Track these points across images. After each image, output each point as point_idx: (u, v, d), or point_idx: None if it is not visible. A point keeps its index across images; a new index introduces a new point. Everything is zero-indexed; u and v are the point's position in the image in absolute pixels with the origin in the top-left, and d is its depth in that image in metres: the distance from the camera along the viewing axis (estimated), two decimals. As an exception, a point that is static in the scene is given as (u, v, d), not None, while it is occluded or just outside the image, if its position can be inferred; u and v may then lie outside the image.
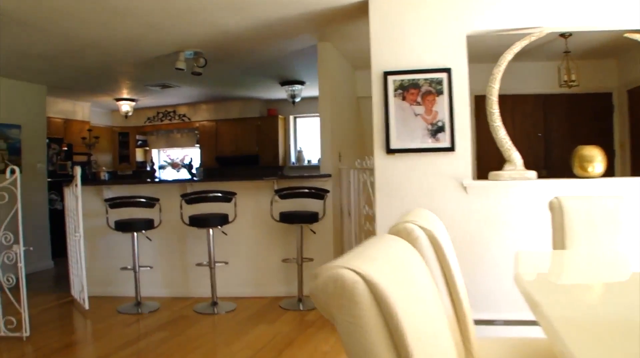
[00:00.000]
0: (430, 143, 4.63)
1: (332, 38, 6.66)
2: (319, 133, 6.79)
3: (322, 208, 6.00)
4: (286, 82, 9.33)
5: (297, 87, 9.36)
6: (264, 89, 10.21)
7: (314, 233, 6.14)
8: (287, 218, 5.88)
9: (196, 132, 12.23)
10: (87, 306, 5.78)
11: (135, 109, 11.86)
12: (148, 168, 12.75)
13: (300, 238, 5.97)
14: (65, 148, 10.23)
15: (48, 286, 7.40)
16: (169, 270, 6.64)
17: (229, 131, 11.69)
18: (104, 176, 6.48)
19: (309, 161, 11.59)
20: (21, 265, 5.11)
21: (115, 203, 5.84)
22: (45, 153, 9.04)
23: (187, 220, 5.83)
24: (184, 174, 12.21)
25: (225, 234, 6.01)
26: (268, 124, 11.43)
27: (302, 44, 6.82)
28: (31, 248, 5.33)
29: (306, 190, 5.92)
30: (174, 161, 12.59)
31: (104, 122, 12.27)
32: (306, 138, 11.88)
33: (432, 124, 4.64)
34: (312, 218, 5.90)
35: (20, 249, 5.15)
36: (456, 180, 4.64)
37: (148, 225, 5.92)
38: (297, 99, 9.56)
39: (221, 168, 12.04)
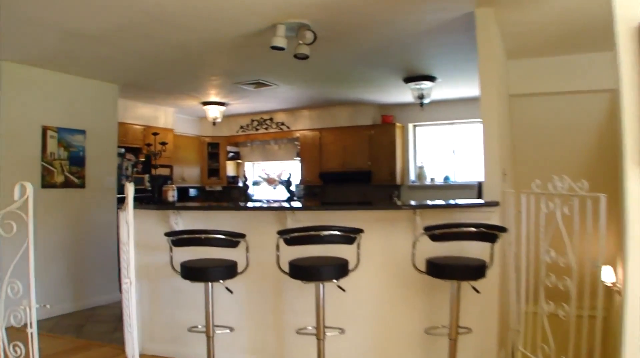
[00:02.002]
0: None
1: (496, 1, 4.50)
2: (483, 143, 4.62)
3: (489, 254, 3.81)
4: (411, 78, 7.20)
5: (427, 84, 7.20)
6: (380, 89, 8.12)
7: (478, 292, 3.89)
8: (440, 270, 3.75)
9: (296, 143, 10.37)
10: (139, 373, 3.92)
11: (226, 117, 10.21)
12: (240, 184, 11.06)
13: (456, 299, 3.80)
14: (143, 159, 8.65)
15: (102, 331, 5.68)
16: (256, 334, 4.68)
17: (336, 142, 9.70)
18: (172, 196, 4.52)
19: (432, 179, 9.36)
20: (32, 330, 3.33)
21: (179, 239, 3.92)
22: (115, 164, 7.44)
23: (285, 267, 3.83)
24: (281, 192, 10.38)
25: (343, 290, 3.90)
26: (383, 133, 9.33)
27: (444, 14, 4.72)
28: (48, 306, 3.63)
29: (472, 229, 3.73)
30: (270, 176, 10.80)
31: (191, 131, 10.69)
32: (427, 151, 9.65)
33: None
34: (477, 271, 3.72)
35: (31, 305, 3.36)
36: None
37: (228, 271, 3.95)
38: (426, 101, 7.40)
39: (325, 186, 10.07)
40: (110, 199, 7.12)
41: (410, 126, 9.62)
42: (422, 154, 9.66)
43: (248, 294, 4.63)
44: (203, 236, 3.78)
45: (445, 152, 9.46)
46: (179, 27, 4.85)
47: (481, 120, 4.64)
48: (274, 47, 4.57)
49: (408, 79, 7.22)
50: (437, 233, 3.73)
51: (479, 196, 8.84)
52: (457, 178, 9.33)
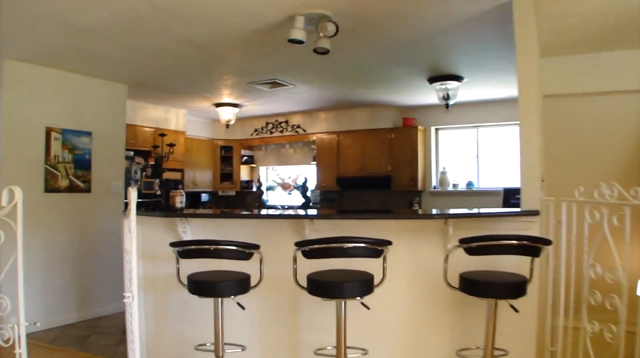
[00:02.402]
0: None
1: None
2: (520, 147, 4.17)
3: (528, 269, 3.43)
4: (436, 78, 6.79)
5: (453, 84, 6.78)
6: (402, 89, 7.71)
7: (517, 311, 3.47)
8: (475, 286, 3.35)
9: (313, 146, 9.99)
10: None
11: (240, 119, 9.88)
12: (254, 189, 10.69)
13: (493, 318, 3.40)
14: (152, 163, 8.31)
15: (107, 344, 5.35)
16: (270, 354, 4.30)
17: (354, 146, 9.29)
18: (180, 202, 4.14)
19: (454, 185, 8.92)
20: (21, 350, 3.00)
21: (186, 251, 3.54)
22: (123, 167, 7.11)
23: (303, 281, 3.43)
24: (296, 197, 10.01)
25: (367, 308, 3.48)
26: (404, 136, 8.91)
27: (477, 4, 4.34)
28: (38, 324, 3.27)
29: (514, 242, 3.32)
30: (285, 181, 10.42)
31: (203, 133, 10.35)
32: (450, 155, 9.21)
33: None
34: (517, 289, 3.31)
35: (20, 323, 3.03)
36: None
37: (240, 286, 3.56)
38: (451, 102, 6.97)
39: (342, 192, 9.67)
40: (118, 204, 6.78)
41: (432, 129, 9.19)
42: (445, 158, 9.22)
43: (261, 310, 4.24)
44: (212, 247, 3.39)
45: (469, 157, 9.02)
46: (190, 20, 4.49)
47: (518, 122, 4.19)
48: (292, 41, 4.19)
49: (433, 79, 6.80)
50: (474, 246, 3.32)
51: (505, 203, 8.45)
52: (481, 183, 8.88)
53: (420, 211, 9.01)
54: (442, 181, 8.97)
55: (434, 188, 9.11)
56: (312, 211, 9.71)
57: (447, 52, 5.75)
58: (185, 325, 4.43)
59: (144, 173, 8.17)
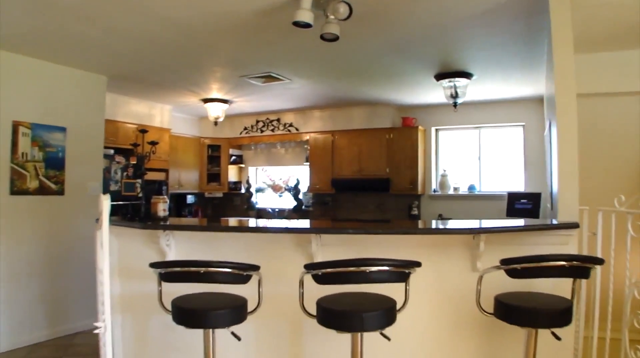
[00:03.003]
0: None
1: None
2: (557, 150, 3.66)
3: (567, 290, 2.97)
4: (444, 74, 6.27)
5: (462, 81, 6.26)
6: (404, 86, 7.18)
7: (559, 339, 2.94)
8: (516, 313, 2.84)
9: (306, 146, 9.43)
10: None
11: (229, 117, 9.29)
12: (243, 190, 10.11)
13: (533, 348, 2.91)
14: (134, 162, 7.68)
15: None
16: (269, 387, 3.72)
17: (350, 146, 8.74)
18: (163, 210, 3.54)
19: (455, 189, 8.42)
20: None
21: (170, 273, 2.94)
22: (101, 167, 6.50)
23: (312, 308, 2.88)
24: (287, 200, 9.45)
25: (388, 339, 2.92)
26: (403, 137, 8.37)
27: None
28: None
29: (563, 264, 2.79)
30: (276, 183, 9.84)
31: (189, 131, 9.74)
32: (451, 157, 8.71)
33: None
34: (563, 316, 2.80)
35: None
36: None
37: (236, 314, 2.97)
38: (459, 101, 6.45)
39: (337, 195, 9.12)
40: (95, 208, 6.12)
41: (433, 129, 8.68)
42: (445, 161, 8.71)
43: (260, 339, 3.68)
44: (202, 269, 2.80)
45: (470, 159, 8.52)
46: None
47: (552, 121, 3.69)
48: (297, 24, 3.61)
49: (440, 76, 6.28)
50: (519, 268, 2.78)
51: (510, 209, 7.97)
52: (484, 187, 8.39)
53: (419, 216, 8.62)
54: (443, 184, 8.47)
55: (434, 191, 8.60)
56: (305, 219, 9.19)
57: (460, 46, 5.22)
58: (171, 353, 3.85)
59: (124, 173, 7.55)
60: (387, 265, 2.66)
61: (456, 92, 6.30)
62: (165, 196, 4.07)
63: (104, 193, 6.39)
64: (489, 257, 3.31)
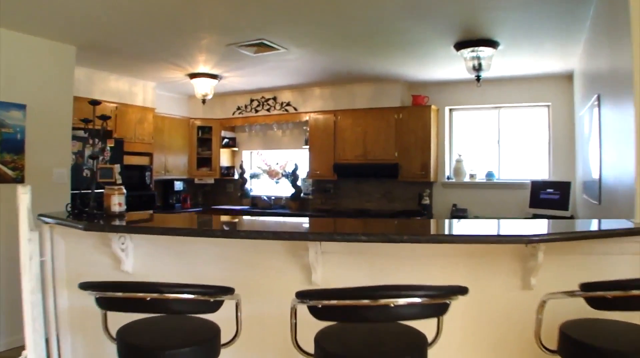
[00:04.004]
0: None
1: None
2: (636, 133, 2.79)
3: None
4: (465, 43, 5.39)
5: (487, 51, 5.39)
6: (416, 59, 6.30)
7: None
8: (591, 355, 1.97)
9: (305, 128, 8.55)
10: None
11: (220, 95, 8.46)
12: (236, 176, 9.26)
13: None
14: (112, 145, 6.82)
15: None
16: None
17: (354, 127, 7.87)
18: (118, 204, 2.65)
19: (472, 176, 7.57)
20: None
21: (109, 300, 2.09)
22: (69, 151, 5.66)
23: (309, 347, 2.04)
24: (284, 187, 8.63)
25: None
26: (414, 117, 7.50)
27: None
28: None
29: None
30: (272, 168, 9.00)
31: (177, 111, 8.87)
32: (467, 141, 7.85)
33: None
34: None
35: None
36: None
37: (204, 351, 2.14)
38: (482, 74, 5.57)
39: (340, 181, 8.28)
40: (62, 198, 5.32)
41: (446, 109, 7.80)
42: (460, 144, 7.85)
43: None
44: (149, 297, 1.94)
45: (489, 143, 7.66)
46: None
47: (633, 100, 2.81)
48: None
49: (461, 45, 5.40)
50: (609, 298, 1.93)
51: (533, 199, 7.13)
52: (503, 174, 7.54)
53: (431, 206, 7.72)
54: (458, 171, 7.62)
55: (448, 178, 7.75)
56: (303, 208, 8.35)
57: (487, 5, 4.33)
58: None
59: (100, 158, 6.68)
60: (421, 296, 1.82)
61: (479, 65, 5.42)
62: (120, 187, 3.23)
63: (75, 180, 5.62)
64: (546, 271, 2.49)
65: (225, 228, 2.87)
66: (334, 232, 2.44)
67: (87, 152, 6.58)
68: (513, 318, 2.54)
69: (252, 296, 2.48)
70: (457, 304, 2.40)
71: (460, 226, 3.08)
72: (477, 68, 5.45)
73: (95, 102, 3.49)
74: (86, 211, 3.15)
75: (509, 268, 2.58)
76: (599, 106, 4.20)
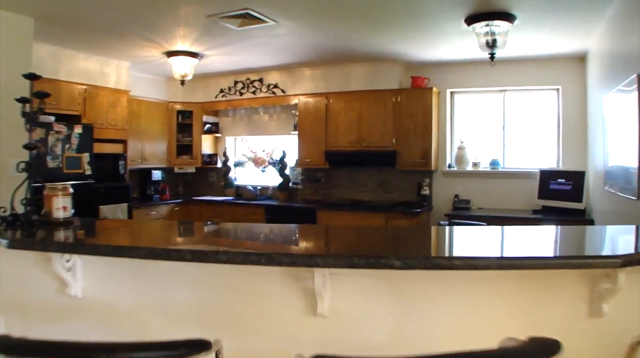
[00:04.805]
0: None
1: None
2: None
3: None
4: (478, 16, 4.78)
5: (502, 25, 4.77)
6: (418, 35, 5.69)
7: None
8: None
9: (294, 112, 7.88)
10: None
11: (201, 77, 7.80)
12: (219, 164, 8.60)
13: None
14: (80, 131, 6.15)
15: None
16: None
17: (348, 111, 7.22)
18: (63, 208, 1.98)
19: (475, 164, 7.00)
20: None
21: None
22: (26, 139, 4.94)
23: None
24: (272, 176, 8.01)
25: None
26: (413, 100, 6.88)
27: None
28: None
29: None
30: (258, 155, 8.36)
31: (155, 94, 8.17)
32: (469, 126, 7.26)
33: None
34: None
35: None
36: None
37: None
38: (496, 51, 4.96)
39: (332, 170, 7.66)
40: (22, 194, 4.63)
41: (447, 92, 7.19)
42: (462, 130, 7.26)
43: None
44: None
45: (493, 128, 7.07)
46: None
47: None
48: None
49: (474, 18, 4.78)
50: None
51: (542, 189, 6.58)
52: (509, 163, 6.98)
53: (431, 197, 7.08)
54: (460, 158, 7.04)
55: (449, 167, 7.16)
56: (293, 198, 7.68)
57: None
58: None
59: (67, 146, 6.01)
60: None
61: (494, 41, 4.82)
62: (66, 186, 2.58)
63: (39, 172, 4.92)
64: (623, 293, 1.90)
65: (201, 248, 2.20)
66: (352, 255, 1.80)
67: (52, 140, 5.93)
68: (574, 351, 1.96)
69: (237, 332, 1.88)
70: (499, 329, 1.81)
71: (513, 240, 2.47)
72: (491, 45, 4.84)
73: (32, 76, 2.75)
74: (27, 217, 2.50)
75: (570, 289, 1.99)
76: (639, 87, 3.61)
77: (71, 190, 2.60)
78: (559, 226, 2.67)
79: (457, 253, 2.18)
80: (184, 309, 2.23)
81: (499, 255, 1.87)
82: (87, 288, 2.39)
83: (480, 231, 2.75)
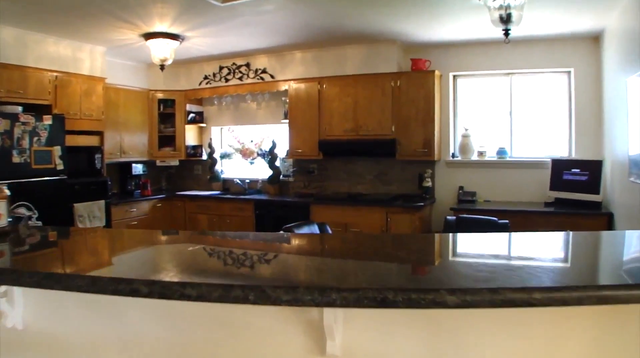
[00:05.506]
0: None
1: None
2: None
3: None
4: (490, -13, 4.27)
5: (518, -2, 4.27)
6: (425, 8, 5.16)
7: None
8: None
9: (284, 99, 7.33)
10: None
11: (184, 62, 7.29)
12: (204, 156, 8.09)
13: None
14: (49, 123, 5.59)
15: None
16: None
17: (343, 97, 6.69)
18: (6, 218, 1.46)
19: (480, 153, 6.51)
20: None
21: None
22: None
23: None
24: (261, 168, 7.50)
25: None
26: (414, 85, 6.37)
27: None
28: None
29: None
30: (246, 146, 7.83)
31: (134, 82, 7.58)
32: (472, 112, 6.76)
33: None
34: None
35: None
36: None
37: None
38: (511, 27, 4.44)
39: (326, 161, 7.14)
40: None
41: (450, 76, 6.68)
42: (466, 116, 6.75)
43: None
44: None
45: (500, 115, 6.57)
46: None
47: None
48: None
49: (485, -10, 4.27)
50: None
51: (555, 180, 6.09)
52: (517, 152, 6.49)
53: (433, 189, 6.53)
54: (464, 147, 6.55)
55: (453, 156, 6.66)
56: (284, 192, 7.14)
57: None
58: None
59: (35, 139, 5.45)
60: None
61: (509, 16, 4.30)
62: (1, 188, 2.04)
63: (4, 168, 4.40)
64: None
65: (161, 279, 1.60)
66: (383, 287, 1.25)
67: (18, 132, 5.38)
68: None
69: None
70: None
71: (584, 255, 1.96)
72: (506, 20, 4.32)
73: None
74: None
75: (624, 318, 1.49)
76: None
77: (7, 192, 2.05)
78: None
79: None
80: (148, 347, 1.71)
81: (597, 283, 1.34)
82: (29, 318, 1.87)
83: (535, 239, 2.20)
